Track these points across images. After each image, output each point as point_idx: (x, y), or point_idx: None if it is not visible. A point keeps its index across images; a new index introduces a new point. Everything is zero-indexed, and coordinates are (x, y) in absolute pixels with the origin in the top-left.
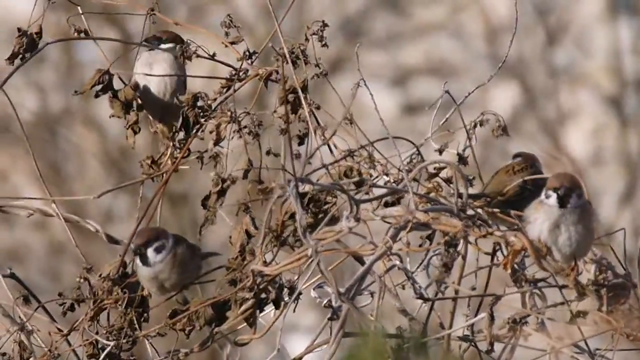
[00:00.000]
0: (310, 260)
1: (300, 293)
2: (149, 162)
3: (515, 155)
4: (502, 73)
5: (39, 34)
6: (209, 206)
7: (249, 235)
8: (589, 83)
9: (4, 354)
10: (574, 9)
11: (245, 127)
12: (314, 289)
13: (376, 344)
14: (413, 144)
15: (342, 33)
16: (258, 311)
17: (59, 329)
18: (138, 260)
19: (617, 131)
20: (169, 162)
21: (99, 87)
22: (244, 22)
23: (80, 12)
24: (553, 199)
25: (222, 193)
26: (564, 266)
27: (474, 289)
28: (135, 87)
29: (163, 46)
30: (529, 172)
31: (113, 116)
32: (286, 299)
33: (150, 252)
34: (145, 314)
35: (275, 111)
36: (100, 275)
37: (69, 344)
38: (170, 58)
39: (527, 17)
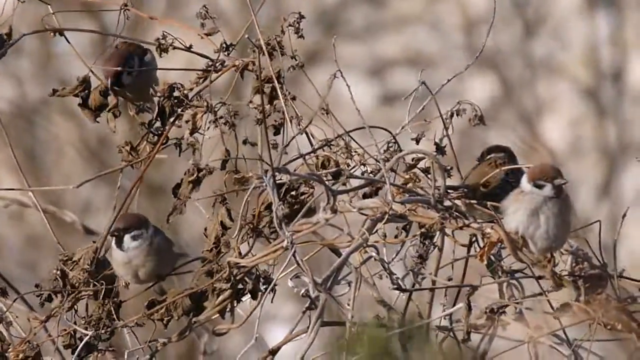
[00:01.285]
0: (286, 251)
1: (275, 284)
2: (128, 148)
3: (490, 149)
4: (480, 64)
5: (9, 33)
6: (179, 195)
7: (224, 226)
8: (566, 74)
9: None
10: (551, 0)
11: (221, 117)
12: (290, 279)
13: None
14: (390, 132)
15: (319, 24)
16: (235, 302)
17: (37, 318)
18: (113, 243)
19: (595, 122)
20: (147, 148)
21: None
22: (222, 14)
23: (51, 11)
24: (548, 188)
25: (197, 182)
26: (540, 258)
27: (450, 279)
28: (106, 89)
29: None
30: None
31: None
32: (263, 289)
33: (127, 237)
34: (119, 304)
35: (251, 101)
36: (71, 260)
37: (47, 331)
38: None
39: (504, 8)
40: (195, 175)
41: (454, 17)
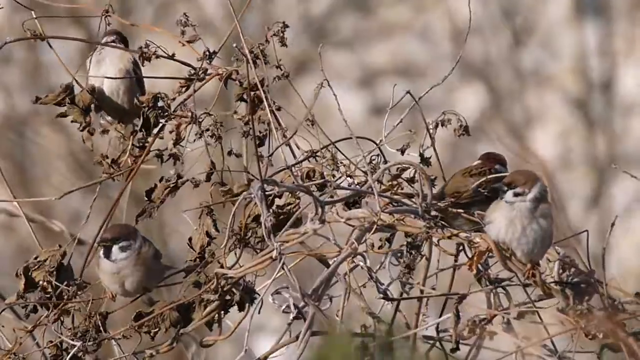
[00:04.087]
0: (274, 262)
1: (260, 297)
2: (108, 161)
3: (482, 156)
4: (469, 75)
5: None
6: (153, 198)
7: (209, 236)
8: (555, 85)
9: None
10: (540, 10)
11: (207, 129)
12: (272, 295)
13: (344, 344)
14: (375, 143)
15: (307, 33)
16: (223, 313)
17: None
18: (101, 254)
19: (584, 133)
20: (129, 161)
21: (62, 97)
22: (210, 22)
23: (34, 15)
24: (526, 196)
25: (173, 189)
26: (520, 266)
27: (433, 288)
28: (92, 90)
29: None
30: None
31: (74, 121)
32: (251, 300)
33: (115, 248)
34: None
35: (235, 112)
36: (36, 258)
37: (34, 339)
38: (116, 56)
39: (493, 18)
40: (173, 183)
41: (442, 26)
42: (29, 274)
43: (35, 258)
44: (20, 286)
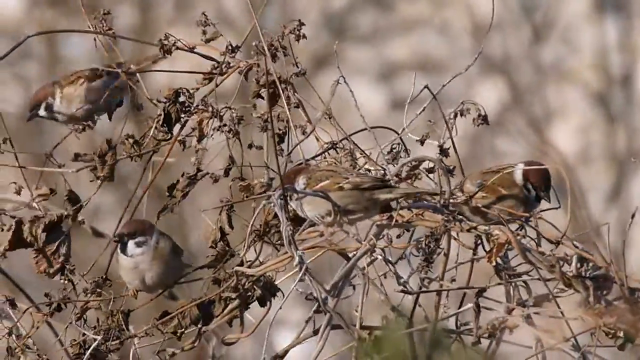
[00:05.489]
0: (295, 266)
1: (283, 294)
2: (130, 141)
3: (526, 162)
4: (489, 70)
5: None
6: (174, 194)
7: (222, 232)
8: (575, 80)
9: None
10: (560, 5)
11: (225, 125)
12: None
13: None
14: (395, 132)
15: (328, 28)
16: (244, 309)
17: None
18: (119, 249)
19: (604, 128)
20: (150, 144)
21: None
22: (229, 17)
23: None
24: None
25: (192, 182)
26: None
27: (453, 280)
28: (109, 141)
29: None
30: (518, 191)
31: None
32: (271, 297)
33: (130, 244)
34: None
35: (254, 106)
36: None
37: (56, 335)
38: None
39: (513, 13)
40: (193, 175)
41: (462, 22)
42: (21, 226)
43: (33, 217)
44: (7, 239)
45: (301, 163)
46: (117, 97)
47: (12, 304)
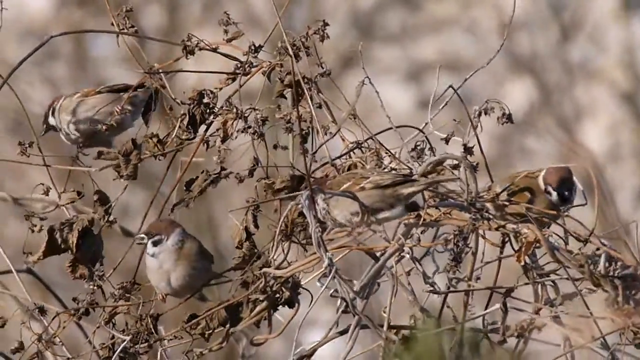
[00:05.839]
0: (325, 268)
1: (312, 295)
2: (155, 140)
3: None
4: (517, 69)
5: None
6: (192, 189)
7: (248, 232)
8: (603, 79)
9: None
10: (588, 4)
11: (249, 127)
12: (319, 280)
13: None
14: (420, 130)
15: (355, 28)
16: (272, 311)
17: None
18: (146, 251)
19: (633, 127)
20: (174, 143)
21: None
22: (258, 17)
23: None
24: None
25: (215, 180)
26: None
27: (478, 279)
28: (134, 141)
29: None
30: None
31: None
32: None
33: (149, 243)
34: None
35: (279, 107)
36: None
37: (86, 336)
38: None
39: (541, 13)
40: (215, 174)
41: (490, 21)
42: (54, 233)
43: (64, 222)
44: (41, 248)
45: (326, 163)
46: (129, 113)
47: (42, 311)
